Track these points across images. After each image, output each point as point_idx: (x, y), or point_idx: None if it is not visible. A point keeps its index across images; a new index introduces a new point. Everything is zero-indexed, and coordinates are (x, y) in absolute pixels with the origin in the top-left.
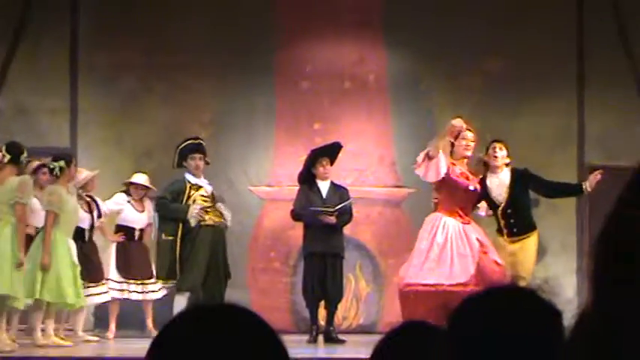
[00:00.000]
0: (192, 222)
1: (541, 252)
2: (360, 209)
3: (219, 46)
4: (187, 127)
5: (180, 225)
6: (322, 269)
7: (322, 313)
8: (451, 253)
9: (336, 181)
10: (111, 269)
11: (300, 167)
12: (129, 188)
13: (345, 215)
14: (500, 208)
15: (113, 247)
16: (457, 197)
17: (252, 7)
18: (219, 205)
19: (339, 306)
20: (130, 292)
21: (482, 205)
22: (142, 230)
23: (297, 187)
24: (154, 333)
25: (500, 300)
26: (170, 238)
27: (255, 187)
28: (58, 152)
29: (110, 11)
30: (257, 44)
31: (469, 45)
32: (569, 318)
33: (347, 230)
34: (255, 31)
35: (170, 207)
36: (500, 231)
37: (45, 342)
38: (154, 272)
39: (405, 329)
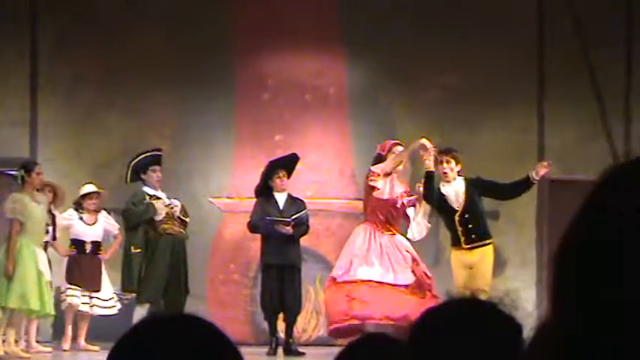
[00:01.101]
0: (161, 215)
1: (501, 265)
2: (320, 221)
3: (179, 59)
4: (147, 140)
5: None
6: (280, 281)
7: (282, 325)
8: (389, 260)
9: (293, 194)
10: (63, 280)
11: (259, 178)
12: (81, 203)
13: (302, 226)
14: (458, 214)
15: (65, 260)
16: (386, 210)
17: (212, 20)
18: (173, 200)
19: (299, 318)
20: (80, 301)
21: (413, 226)
22: (95, 243)
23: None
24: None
25: (460, 312)
26: (138, 250)
27: (216, 198)
28: (20, 163)
29: (70, 24)
30: (217, 57)
31: (429, 59)
32: (528, 331)
33: (307, 242)
34: (216, 44)
35: (136, 212)
36: (456, 241)
37: (5, 350)
38: (104, 287)
39: (364, 341)
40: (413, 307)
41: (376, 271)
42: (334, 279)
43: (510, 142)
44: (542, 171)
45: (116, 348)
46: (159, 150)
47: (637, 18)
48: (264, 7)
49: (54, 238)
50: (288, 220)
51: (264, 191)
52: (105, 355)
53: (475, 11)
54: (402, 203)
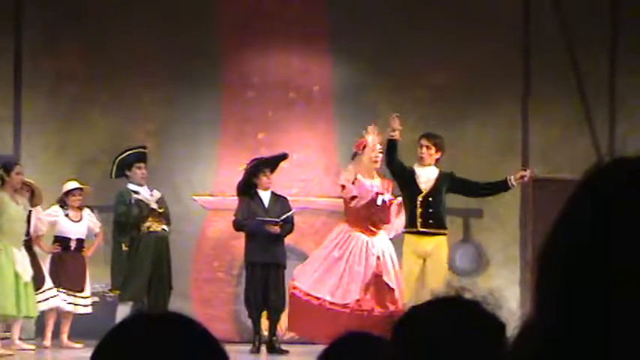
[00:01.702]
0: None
1: (485, 264)
2: (304, 219)
3: (165, 56)
4: (132, 137)
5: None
6: (264, 279)
7: (265, 323)
8: (343, 269)
9: (277, 192)
10: (45, 279)
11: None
12: (65, 200)
13: (288, 225)
14: (421, 195)
15: (49, 258)
16: (365, 210)
17: (198, 16)
18: (154, 191)
19: (282, 316)
20: (61, 300)
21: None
22: (79, 241)
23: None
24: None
25: (443, 311)
26: (128, 249)
27: (199, 196)
28: (3, 160)
29: (55, 20)
30: (203, 54)
31: (415, 57)
32: (512, 329)
33: (291, 240)
34: (201, 41)
35: (132, 215)
36: (412, 222)
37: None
38: (87, 286)
39: (347, 339)
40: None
41: (324, 286)
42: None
43: (496, 140)
44: (522, 177)
45: (100, 346)
46: (144, 147)
47: (622, 18)
48: (250, 5)
49: (27, 234)
50: (277, 220)
51: (247, 189)
52: (88, 352)
53: (461, 9)
54: (383, 201)
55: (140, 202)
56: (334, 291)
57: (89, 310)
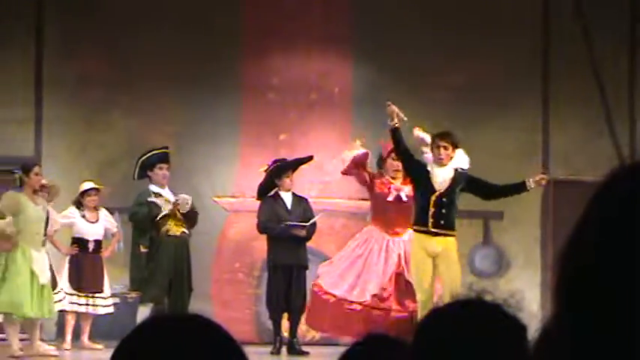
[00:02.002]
0: (165, 211)
1: (505, 266)
2: (324, 221)
3: (184, 58)
4: (152, 138)
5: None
6: (287, 281)
7: (286, 324)
8: (362, 267)
9: (299, 192)
10: (62, 281)
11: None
12: (81, 200)
13: (312, 227)
14: (435, 194)
15: (67, 260)
16: (383, 209)
17: (219, 19)
18: (182, 196)
19: (304, 318)
20: (80, 304)
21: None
22: (97, 242)
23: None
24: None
25: (465, 314)
26: (146, 250)
27: (220, 198)
28: (24, 161)
29: (76, 22)
30: (223, 56)
31: (434, 59)
32: (533, 332)
33: (311, 242)
34: (222, 43)
35: (141, 214)
36: (423, 222)
37: (20, 354)
38: (106, 287)
39: (368, 341)
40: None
41: (343, 284)
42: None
43: (516, 142)
44: (541, 180)
45: (120, 347)
46: (166, 148)
47: None
48: (271, 7)
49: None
50: (305, 224)
51: (268, 190)
52: (109, 353)
53: (481, 11)
54: (400, 198)
55: (152, 204)
56: (352, 289)
57: (110, 310)
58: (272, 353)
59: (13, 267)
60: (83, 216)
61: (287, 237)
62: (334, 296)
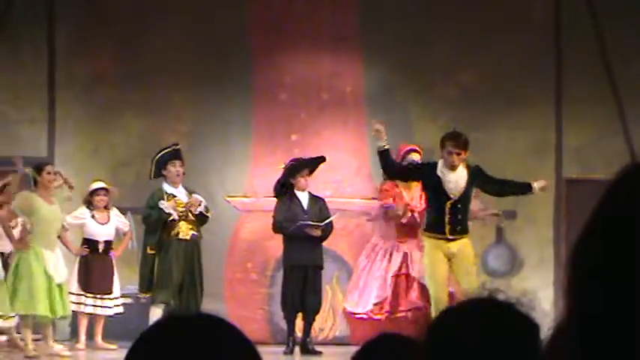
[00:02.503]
0: (173, 215)
1: (518, 265)
2: (337, 221)
3: (196, 57)
4: (164, 138)
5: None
6: (302, 281)
7: (299, 324)
8: (365, 279)
9: (313, 192)
10: (72, 282)
11: (276, 178)
12: (91, 201)
13: (329, 227)
14: (450, 202)
15: (76, 260)
16: (394, 222)
17: (230, 18)
18: (195, 196)
19: (317, 318)
20: (87, 305)
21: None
22: (107, 242)
23: (274, 198)
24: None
25: (477, 313)
26: (153, 252)
27: (232, 198)
28: (37, 161)
29: (88, 22)
30: (235, 55)
31: (446, 57)
32: (546, 331)
33: (324, 242)
34: (234, 42)
35: (153, 218)
36: (439, 229)
37: (35, 354)
38: (115, 288)
39: (380, 341)
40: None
41: (352, 298)
42: None
43: (528, 141)
44: (544, 189)
45: (134, 347)
46: (176, 145)
47: None
48: (282, 6)
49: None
50: (320, 225)
51: (284, 189)
52: (122, 353)
53: (492, 8)
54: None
55: (161, 210)
56: (357, 301)
57: (120, 309)
58: (285, 353)
59: (26, 269)
60: (93, 216)
61: (303, 237)
62: (350, 313)
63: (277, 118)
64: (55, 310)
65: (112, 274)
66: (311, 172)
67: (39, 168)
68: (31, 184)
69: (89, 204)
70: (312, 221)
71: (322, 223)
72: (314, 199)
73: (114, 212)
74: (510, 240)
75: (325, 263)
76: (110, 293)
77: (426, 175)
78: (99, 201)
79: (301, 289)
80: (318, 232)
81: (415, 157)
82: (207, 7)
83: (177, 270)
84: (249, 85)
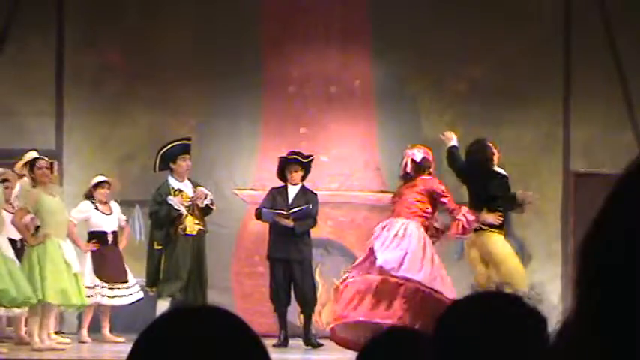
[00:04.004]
0: (181, 210)
1: (526, 259)
2: (345, 214)
3: (205, 50)
4: (173, 131)
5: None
6: (287, 275)
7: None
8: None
9: (319, 186)
10: (86, 276)
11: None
12: (92, 194)
13: (308, 220)
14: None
15: (88, 256)
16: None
17: (239, 11)
18: (200, 189)
19: (324, 310)
20: (102, 295)
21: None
22: (114, 233)
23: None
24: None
25: (485, 306)
26: (160, 247)
27: (240, 190)
28: (45, 154)
29: (96, 15)
30: (244, 49)
31: (455, 51)
32: (554, 324)
33: (332, 235)
34: (242, 35)
35: (160, 216)
36: (506, 226)
37: (42, 346)
38: (129, 277)
39: (389, 334)
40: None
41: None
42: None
43: (536, 135)
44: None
45: (140, 339)
46: (188, 139)
47: None
48: (290, 0)
49: None
50: (284, 213)
51: (282, 179)
52: (130, 346)
53: (501, 3)
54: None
55: (170, 207)
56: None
57: (140, 294)
58: (274, 346)
59: (48, 259)
60: (97, 208)
61: (281, 231)
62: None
63: (286, 111)
64: (71, 299)
65: (124, 263)
66: (303, 167)
67: (31, 165)
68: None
69: (91, 198)
70: (284, 212)
71: (287, 212)
72: (303, 192)
73: (114, 204)
74: (518, 234)
75: (333, 256)
76: (126, 282)
77: (498, 175)
78: (101, 194)
79: (288, 283)
80: (288, 222)
81: None
82: (217, 0)
83: (184, 264)
84: (258, 79)
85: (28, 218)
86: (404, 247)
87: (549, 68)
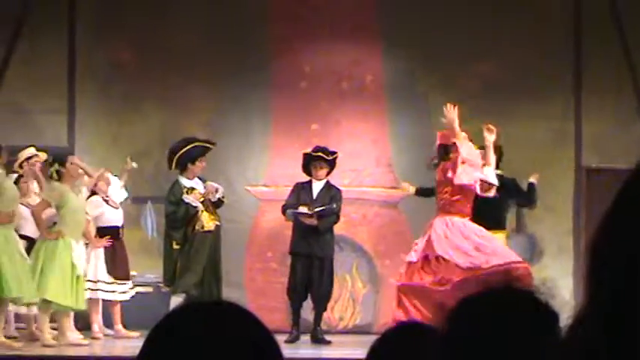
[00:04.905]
0: (199, 206)
1: (538, 254)
2: (356, 210)
3: (216, 47)
4: (184, 128)
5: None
6: (307, 270)
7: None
8: None
9: (332, 182)
10: (100, 270)
11: (296, 167)
12: (95, 190)
13: (331, 217)
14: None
15: (94, 252)
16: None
17: (249, 8)
18: (209, 184)
19: (336, 306)
20: (104, 291)
21: None
22: (122, 228)
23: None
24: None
25: (497, 301)
26: (178, 247)
27: (253, 187)
28: (55, 153)
29: (108, 13)
30: (254, 45)
31: (466, 46)
32: (565, 320)
33: (343, 230)
34: (253, 32)
35: (179, 216)
36: None
37: (53, 342)
38: (129, 272)
39: (400, 330)
40: None
41: None
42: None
43: (548, 130)
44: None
45: (153, 333)
46: (212, 143)
47: None
48: None
49: None
50: (308, 212)
51: (307, 173)
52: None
53: None
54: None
55: (188, 205)
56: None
57: (133, 292)
58: (286, 342)
59: (55, 257)
60: (107, 202)
61: (304, 226)
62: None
63: (297, 107)
64: (75, 301)
65: (128, 259)
66: (328, 163)
67: (61, 160)
68: (54, 177)
69: (97, 191)
70: (309, 210)
71: (312, 212)
72: (328, 188)
73: (113, 185)
74: (530, 229)
75: (344, 252)
76: (128, 278)
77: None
78: (102, 185)
79: (307, 279)
80: (312, 221)
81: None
82: None
83: (200, 261)
84: (269, 75)
85: (48, 212)
86: None
87: (560, 63)
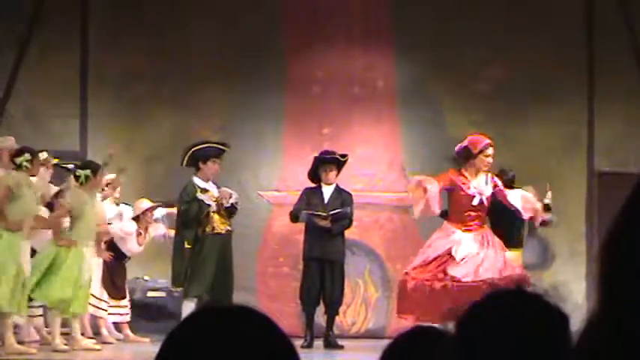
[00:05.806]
0: (212, 206)
1: (550, 258)
2: (369, 214)
3: (229, 52)
4: (197, 133)
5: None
6: (320, 274)
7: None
8: None
9: (342, 186)
10: (95, 284)
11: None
12: (140, 218)
13: (344, 220)
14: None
15: (100, 265)
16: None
17: (262, 13)
18: (224, 189)
19: (349, 311)
20: (105, 310)
21: None
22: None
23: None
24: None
25: (508, 304)
26: (190, 247)
27: (265, 191)
28: (86, 161)
29: (120, 16)
30: (267, 50)
31: (479, 51)
32: (578, 323)
33: (356, 235)
34: (266, 36)
35: (192, 213)
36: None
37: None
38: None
39: (413, 334)
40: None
41: None
42: None
43: (561, 134)
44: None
45: (169, 339)
46: (227, 145)
47: None
48: (314, 0)
49: None
50: (323, 214)
51: (315, 179)
52: (154, 347)
53: (524, 4)
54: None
55: (201, 202)
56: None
57: (128, 317)
58: (302, 347)
59: (64, 263)
60: (139, 234)
61: (317, 231)
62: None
63: (309, 112)
64: (67, 311)
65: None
66: (335, 166)
67: (95, 169)
68: (81, 182)
69: (138, 220)
70: (323, 213)
71: (327, 214)
72: (338, 192)
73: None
74: (542, 233)
75: (357, 256)
76: (125, 297)
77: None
78: (150, 218)
79: (320, 283)
80: (326, 223)
81: (491, 150)
82: (240, 1)
83: (211, 265)
84: (282, 80)
85: (64, 219)
86: None
87: (573, 68)
